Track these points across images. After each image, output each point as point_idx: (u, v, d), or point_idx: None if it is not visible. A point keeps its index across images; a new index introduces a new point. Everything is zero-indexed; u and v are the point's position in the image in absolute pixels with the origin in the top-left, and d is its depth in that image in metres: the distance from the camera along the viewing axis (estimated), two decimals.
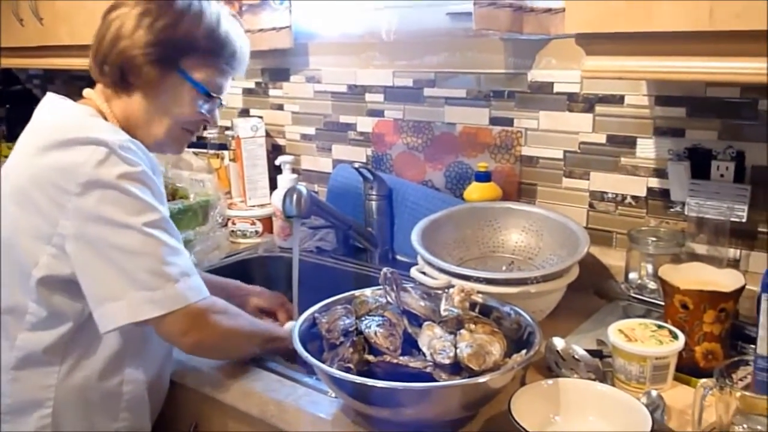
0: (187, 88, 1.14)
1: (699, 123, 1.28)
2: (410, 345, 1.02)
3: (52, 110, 1.15)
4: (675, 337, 1.03)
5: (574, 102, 1.42)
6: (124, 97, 1.14)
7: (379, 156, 1.76)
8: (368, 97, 1.76)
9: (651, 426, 0.85)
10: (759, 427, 0.85)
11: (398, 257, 1.64)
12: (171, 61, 1.12)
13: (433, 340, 0.98)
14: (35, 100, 1.17)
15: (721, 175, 1.23)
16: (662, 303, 1.14)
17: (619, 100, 1.36)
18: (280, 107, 1.96)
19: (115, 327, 1.02)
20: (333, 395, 1.04)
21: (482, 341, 0.96)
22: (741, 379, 0.94)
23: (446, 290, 1.10)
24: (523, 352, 0.96)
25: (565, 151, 1.45)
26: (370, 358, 0.98)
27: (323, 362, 0.97)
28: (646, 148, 1.34)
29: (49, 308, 1.06)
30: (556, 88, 1.43)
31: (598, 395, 0.96)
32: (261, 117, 1.97)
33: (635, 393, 0.98)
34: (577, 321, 1.26)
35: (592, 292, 1.37)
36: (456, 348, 0.95)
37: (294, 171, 1.85)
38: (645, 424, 0.86)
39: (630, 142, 1.36)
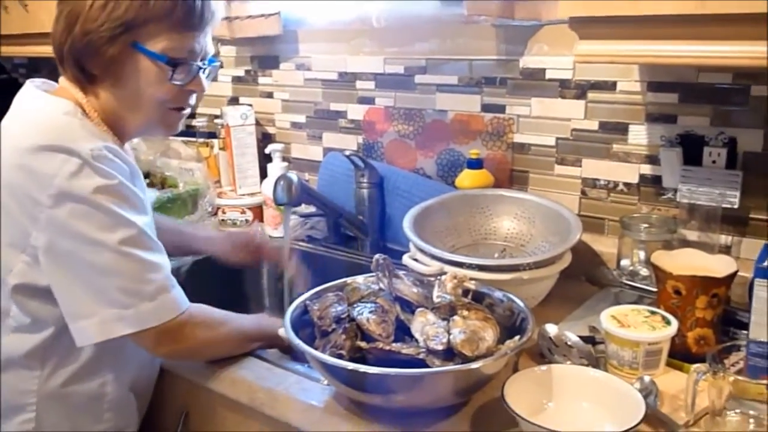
0: (148, 63, 1.03)
1: (691, 109, 1.27)
2: (403, 332, 1.01)
3: (28, 106, 1.09)
4: (668, 322, 1.03)
5: (567, 88, 1.41)
6: (94, 89, 1.07)
7: (370, 144, 1.75)
8: (359, 84, 1.75)
9: (644, 411, 0.85)
10: (752, 412, 0.85)
11: (390, 245, 1.63)
12: (122, 40, 1.01)
13: (426, 326, 0.97)
14: (20, 89, 1.13)
15: (713, 162, 1.23)
16: (654, 289, 1.14)
17: (611, 86, 1.35)
18: (270, 95, 1.95)
19: (89, 343, 1.00)
20: (325, 383, 1.03)
21: (475, 327, 0.96)
22: (733, 365, 0.95)
23: (439, 277, 1.09)
24: (516, 338, 0.96)
25: (557, 138, 1.44)
26: (363, 344, 0.97)
27: (315, 349, 0.96)
28: (639, 135, 1.34)
29: (28, 314, 1.04)
30: (548, 75, 1.43)
31: (592, 381, 0.95)
32: (250, 105, 1.95)
33: (628, 379, 0.98)
34: (569, 308, 1.26)
35: (583, 279, 1.37)
36: (449, 334, 0.94)
37: (284, 159, 1.83)
38: (638, 410, 0.86)
39: (622, 129, 1.36)
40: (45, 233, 0.97)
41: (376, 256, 1.09)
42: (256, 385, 1.07)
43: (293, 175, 1.45)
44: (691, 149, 1.25)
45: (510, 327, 1.02)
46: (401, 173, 1.64)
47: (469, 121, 1.56)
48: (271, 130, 1.97)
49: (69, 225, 0.96)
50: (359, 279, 1.13)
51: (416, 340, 0.97)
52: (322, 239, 1.70)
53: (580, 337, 1.09)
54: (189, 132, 1.97)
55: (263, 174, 1.88)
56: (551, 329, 1.10)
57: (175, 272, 1.49)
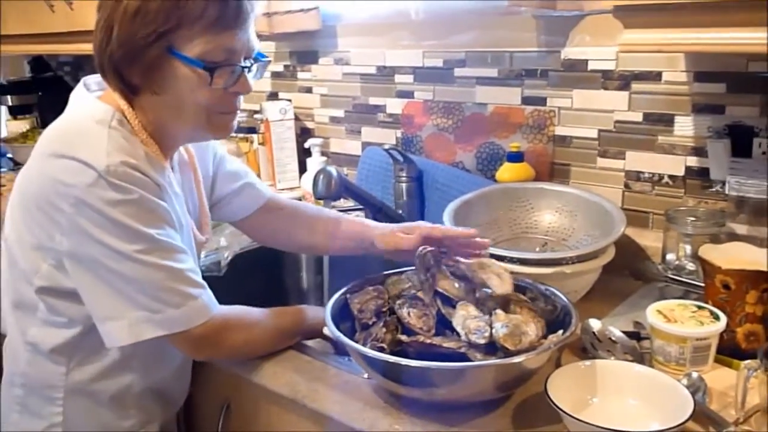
0: (186, 68, 0.98)
1: (740, 99, 1.24)
2: (443, 326, 1.00)
3: (69, 108, 1.08)
4: (716, 318, 1.00)
5: (609, 80, 1.38)
6: (138, 99, 1.03)
7: (409, 138, 1.74)
8: (397, 78, 1.74)
9: (692, 408, 0.83)
10: None
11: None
12: (157, 46, 0.97)
13: (467, 319, 0.96)
14: (66, 87, 1.13)
15: (763, 153, 1.20)
16: (701, 284, 1.11)
17: (656, 76, 1.32)
18: (309, 90, 1.95)
19: (119, 345, 1.00)
20: (365, 376, 1.03)
21: (518, 321, 0.94)
22: None
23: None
24: (560, 332, 0.94)
25: (599, 130, 1.42)
26: (404, 338, 0.97)
27: (356, 342, 0.96)
28: (685, 126, 1.31)
29: (55, 312, 1.04)
30: (591, 66, 1.40)
31: (637, 377, 0.93)
32: (290, 100, 1.96)
33: (675, 375, 0.95)
34: (613, 303, 1.24)
35: (627, 273, 1.34)
36: (491, 328, 0.93)
37: (323, 154, 1.84)
38: (686, 406, 0.84)
39: (667, 120, 1.33)
40: (68, 238, 0.96)
41: (420, 248, 1.08)
42: (297, 377, 1.07)
43: (333, 170, 1.45)
44: (740, 140, 1.22)
45: (553, 321, 1.01)
46: (440, 167, 1.63)
47: (509, 113, 1.54)
48: (310, 124, 1.98)
49: (89, 232, 0.95)
50: (400, 272, 1.12)
51: (457, 334, 0.97)
52: None
53: (624, 332, 1.07)
54: None
55: (302, 168, 1.89)
56: (595, 324, 1.08)
57: (216, 266, 1.53)
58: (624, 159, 1.40)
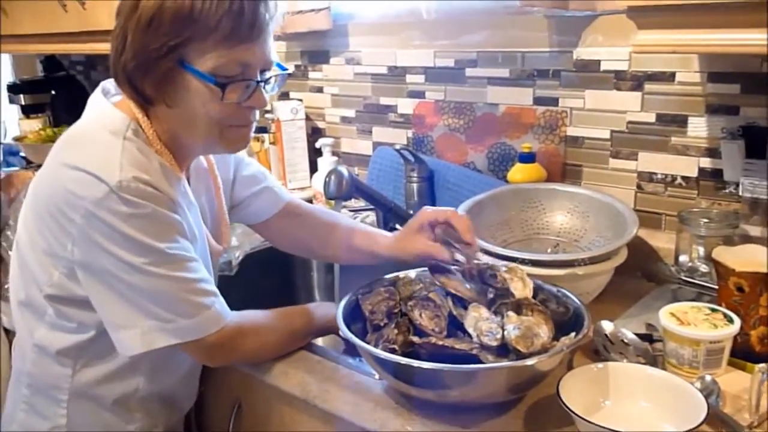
0: (199, 83, 0.97)
1: (754, 100, 1.23)
2: (455, 327, 1.00)
3: (85, 114, 1.07)
4: (730, 320, 0.99)
5: (622, 80, 1.38)
6: (152, 109, 1.02)
7: (420, 138, 1.74)
8: (409, 78, 1.74)
9: (706, 411, 0.83)
10: None
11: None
12: (169, 59, 0.95)
13: (479, 321, 0.96)
14: (78, 86, 1.13)
15: None
16: (715, 286, 1.10)
17: (669, 77, 1.32)
18: (320, 90, 1.96)
19: (132, 353, 0.99)
20: (377, 376, 1.03)
21: (530, 323, 0.94)
22: None
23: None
24: (572, 334, 0.94)
25: (612, 131, 1.41)
26: (416, 339, 0.97)
27: (367, 344, 0.96)
28: (698, 127, 1.30)
29: (65, 318, 1.04)
30: (603, 66, 1.40)
31: (650, 379, 0.93)
32: (301, 100, 1.96)
33: (688, 378, 0.95)
34: (625, 305, 1.23)
35: (639, 275, 1.34)
36: (503, 330, 0.93)
37: (334, 154, 1.84)
38: (700, 410, 0.83)
39: (681, 121, 1.32)
40: (79, 248, 0.96)
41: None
42: (309, 377, 1.07)
43: (344, 169, 1.45)
44: (754, 142, 1.21)
45: (564, 323, 1.00)
46: (451, 167, 1.63)
47: (521, 114, 1.53)
48: (321, 124, 1.98)
49: (100, 244, 0.95)
50: (411, 273, 1.12)
51: (469, 336, 0.97)
52: None
53: (637, 334, 1.06)
54: None
55: (313, 168, 1.89)
56: (607, 326, 1.08)
57: (227, 266, 1.53)
58: (636, 160, 1.39)
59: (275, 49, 1.03)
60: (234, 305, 1.07)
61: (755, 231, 1.23)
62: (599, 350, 1.06)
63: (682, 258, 1.29)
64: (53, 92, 2.63)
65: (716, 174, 1.29)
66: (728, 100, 1.26)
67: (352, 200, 1.68)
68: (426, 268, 1.09)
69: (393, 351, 0.94)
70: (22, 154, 2.44)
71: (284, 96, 2.05)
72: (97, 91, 1.08)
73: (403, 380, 0.95)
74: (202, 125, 1.01)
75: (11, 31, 2.19)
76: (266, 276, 1.63)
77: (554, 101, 1.48)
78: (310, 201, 1.84)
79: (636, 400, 0.92)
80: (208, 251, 1.13)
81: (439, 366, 0.88)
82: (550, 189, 1.40)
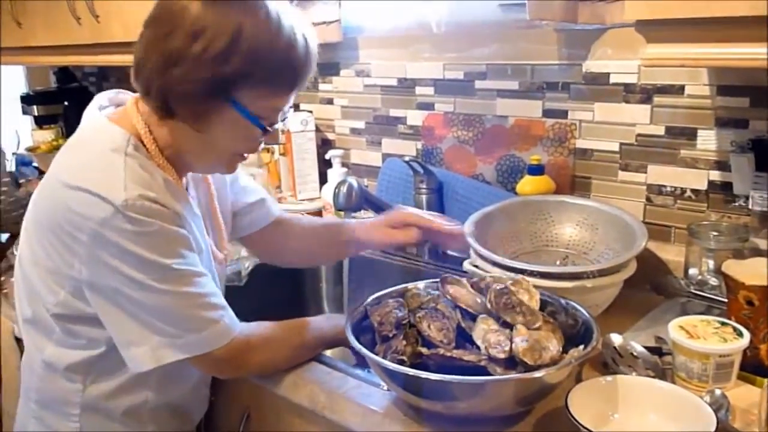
0: (241, 121, 0.99)
1: (763, 113, 1.23)
2: (463, 339, 1.00)
3: (83, 132, 1.07)
4: (739, 334, 0.99)
5: (631, 93, 1.38)
6: (170, 123, 1.01)
7: (430, 149, 1.75)
8: (418, 90, 1.75)
9: (715, 425, 0.82)
10: None
11: (448, 252, 1.63)
12: (220, 93, 0.96)
13: (488, 333, 0.96)
14: (91, 97, 1.10)
15: None
16: (724, 299, 1.10)
17: (678, 90, 1.32)
18: (330, 101, 1.97)
19: (143, 370, 1.00)
20: (385, 388, 1.03)
21: (538, 336, 0.94)
22: None
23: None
24: (581, 347, 0.94)
25: (621, 144, 1.41)
26: (424, 350, 0.97)
27: (376, 355, 0.96)
28: (707, 140, 1.30)
29: (73, 335, 1.05)
30: (612, 79, 1.40)
31: (659, 393, 0.93)
32: (311, 111, 1.97)
33: (697, 391, 0.95)
34: (634, 317, 1.23)
35: (648, 288, 1.33)
36: (512, 342, 0.93)
37: (344, 165, 1.85)
38: (709, 424, 0.83)
39: (690, 134, 1.32)
40: (87, 267, 0.96)
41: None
42: (318, 388, 1.07)
43: (353, 181, 1.46)
44: (764, 155, 1.21)
45: (573, 336, 1.00)
46: (460, 179, 1.63)
47: (530, 126, 1.54)
48: (330, 136, 1.99)
49: (108, 263, 0.95)
50: (420, 285, 1.12)
51: (477, 348, 0.97)
52: None
53: (646, 347, 1.06)
54: None
55: (323, 179, 1.90)
56: (616, 339, 1.07)
57: (237, 276, 1.54)
58: (646, 172, 1.39)
59: None
60: (243, 316, 1.08)
61: (765, 244, 1.23)
62: (608, 363, 1.06)
63: (692, 271, 1.29)
64: (66, 103, 2.66)
65: (726, 187, 1.29)
66: (737, 113, 1.26)
67: (362, 211, 1.69)
68: (434, 280, 1.10)
69: (401, 362, 0.94)
70: (35, 164, 2.46)
71: (294, 107, 2.06)
72: (92, 105, 1.09)
73: (411, 391, 0.95)
74: (218, 153, 1.05)
75: (25, 43, 2.22)
76: (275, 286, 1.64)
77: (563, 114, 1.49)
78: (319, 212, 1.85)
79: (645, 413, 0.92)
80: (213, 262, 1.14)
81: (447, 377, 0.88)
82: (559, 201, 1.41)
